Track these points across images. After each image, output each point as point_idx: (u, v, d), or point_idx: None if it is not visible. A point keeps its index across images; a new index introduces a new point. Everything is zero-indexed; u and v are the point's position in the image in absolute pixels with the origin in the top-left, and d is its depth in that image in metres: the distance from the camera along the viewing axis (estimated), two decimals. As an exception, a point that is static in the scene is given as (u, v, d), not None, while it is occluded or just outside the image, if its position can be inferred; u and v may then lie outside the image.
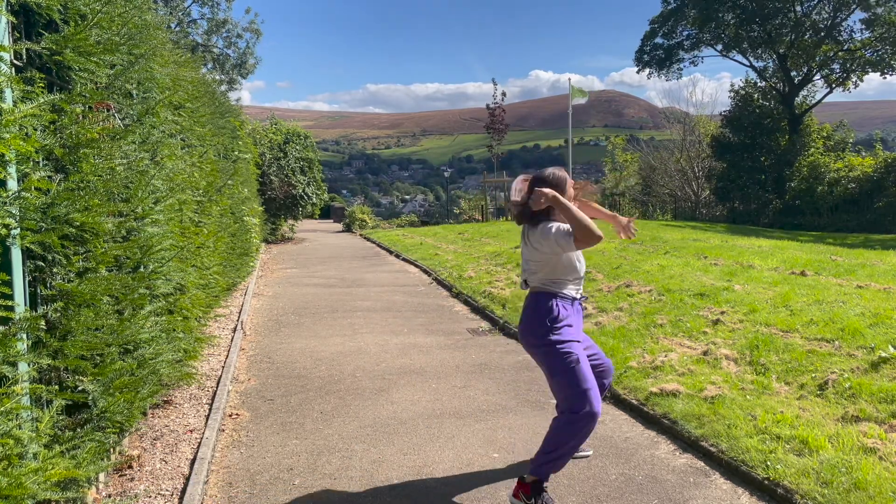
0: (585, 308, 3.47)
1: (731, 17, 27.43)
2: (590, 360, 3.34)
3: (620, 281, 8.16)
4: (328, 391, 5.01)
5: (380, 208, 67.34)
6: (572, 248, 3.09)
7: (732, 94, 26.95)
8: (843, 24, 26.13)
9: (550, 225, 3.16)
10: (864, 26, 25.30)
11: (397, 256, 14.26)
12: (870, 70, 25.81)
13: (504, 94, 22.81)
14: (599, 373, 3.44)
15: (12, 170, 2.30)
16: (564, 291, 3.24)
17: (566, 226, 3.11)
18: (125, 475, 3.50)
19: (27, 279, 2.50)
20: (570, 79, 22.67)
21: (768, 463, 3.41)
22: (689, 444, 3.89)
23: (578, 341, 3.22)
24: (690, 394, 4.40)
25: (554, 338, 3.13)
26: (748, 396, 4.30)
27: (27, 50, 2.59)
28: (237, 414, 4.53)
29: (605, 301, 7.36)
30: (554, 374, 3.14)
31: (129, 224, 3.32)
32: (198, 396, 4.79)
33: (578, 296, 3.31)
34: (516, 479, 3.22)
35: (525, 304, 3.33)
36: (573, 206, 3.10)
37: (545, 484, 3.15)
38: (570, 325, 3.19)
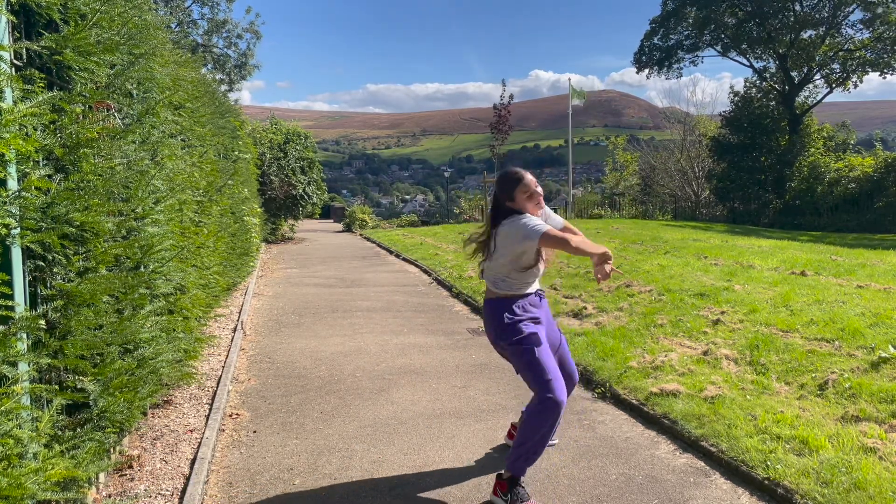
0: (542, 297, 3.50)
1: (731, 18, 27.42)
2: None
3: (620, 281, 8.15)
4: (328, 391, 5.01)
5: (380, 208, 67.36)
6: (535, 244, 3.14)
7: (732, 96, 26.96)
8: (843, 23, 26.14)
9: (523, 220, 3.20)
10: (863, 26, 25.31)
11: (397, 256, 14.26)
12: (870, 70, 25.81)
13: (511, 96, 22.90)
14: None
15: (12, 169, 2.30)
16: (517, 291, 3.31)
17: (536, 221, 3.18)
18: (125, 475, 3.50)
19: (27, 279, 2.50)
20: (570, 79, 22.68)
21: (768, 463, 3.41)
22: (689, 444, 3.89)
23: (536, 332, 3.26)
24: (690, 394, 4.40)
25: (514, 338, 3.23)
26: (748, 396, 4.30)
27: (27, 49, 2.59)
28: (237, 414, 4.52)
29: (605, 301, 7.36)
30: (519, 369, 3.29)
31: (129, 224, 3.32)
32: (198, 396, 4.79)
33: (534, 290, 3.38)
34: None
35: (484, 310, 3.44)
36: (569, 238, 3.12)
37: (522, 479, 3.21)
38: (527, 321, 3.27)
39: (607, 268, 2.93)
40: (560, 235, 3.11)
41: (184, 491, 3.31)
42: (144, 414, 4.21)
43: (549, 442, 3.71)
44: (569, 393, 3.51)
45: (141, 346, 3.42)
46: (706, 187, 28.11)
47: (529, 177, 3.30)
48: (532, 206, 3.28)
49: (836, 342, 5.07)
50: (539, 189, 3.31)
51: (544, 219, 3.44)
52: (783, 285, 7.08)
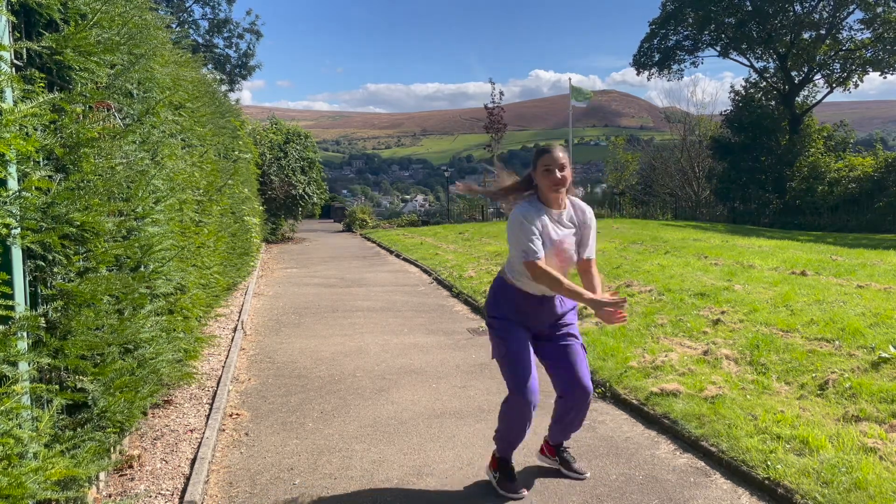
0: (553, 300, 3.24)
1: (730, 18, 27.43)
2: (558, 375, 3.22)
3: (620, 281, 8.15)
4: (328, 391, 5.01)
5: (380, 208, 67.29)
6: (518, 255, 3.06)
7: (732, 96, 26.96)
8: (843, 23, 26.14)
9: (515, 209, 3.12)
10: (864, 26, 25.31)
11: (397, 256, 14.26)
12: (870, 70, 25.83)
13: (501, 93, 23.00)
14: (566, 406, 3.25)
15: (12, 169, 2.30)
16: (521, 285, 3.18)
17: (520, 216, 3.05)
18: (125, 475, 3.50)
19: (27, 279, 2.50)
20: (570, 78, 22.70)
21: (768, 463, 3.41)
22: (689, 444, 3.89)
23: (519, 329, 3.16)
24: (691, 394, 4.40)
25: (496, 323, 3.21)
26: (748, 396, 4.30)
27: (27, 49, 2.59)
28: (237, 414, 4.52)
29: (605, 301, 7.35)
30: (493, 355, 3.28)
31: (130, 224, 3.32)
32: (198, 396, 4.79)
33: (538, 294, 3.16)
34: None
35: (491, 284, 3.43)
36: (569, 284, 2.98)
37: (511, 462, 3.33)
38: (517, 317, 3.18)
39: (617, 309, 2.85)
40: (550, 273, 2.91)
41: (184, 491, 3.31)
42: (145, 414, 4.20)
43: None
44: (578, 401, 3.22)
45: (141, 345, 3.42)
46: (706, 187, 28.14)
47: (558, 153, 3.03)
48: (548, 186, 3.03)
49: (837, 342, 5.07)
50: (560, 172, 3.01)
51: (578, 221, 3.17)
52: (783, 285, 7.08)
